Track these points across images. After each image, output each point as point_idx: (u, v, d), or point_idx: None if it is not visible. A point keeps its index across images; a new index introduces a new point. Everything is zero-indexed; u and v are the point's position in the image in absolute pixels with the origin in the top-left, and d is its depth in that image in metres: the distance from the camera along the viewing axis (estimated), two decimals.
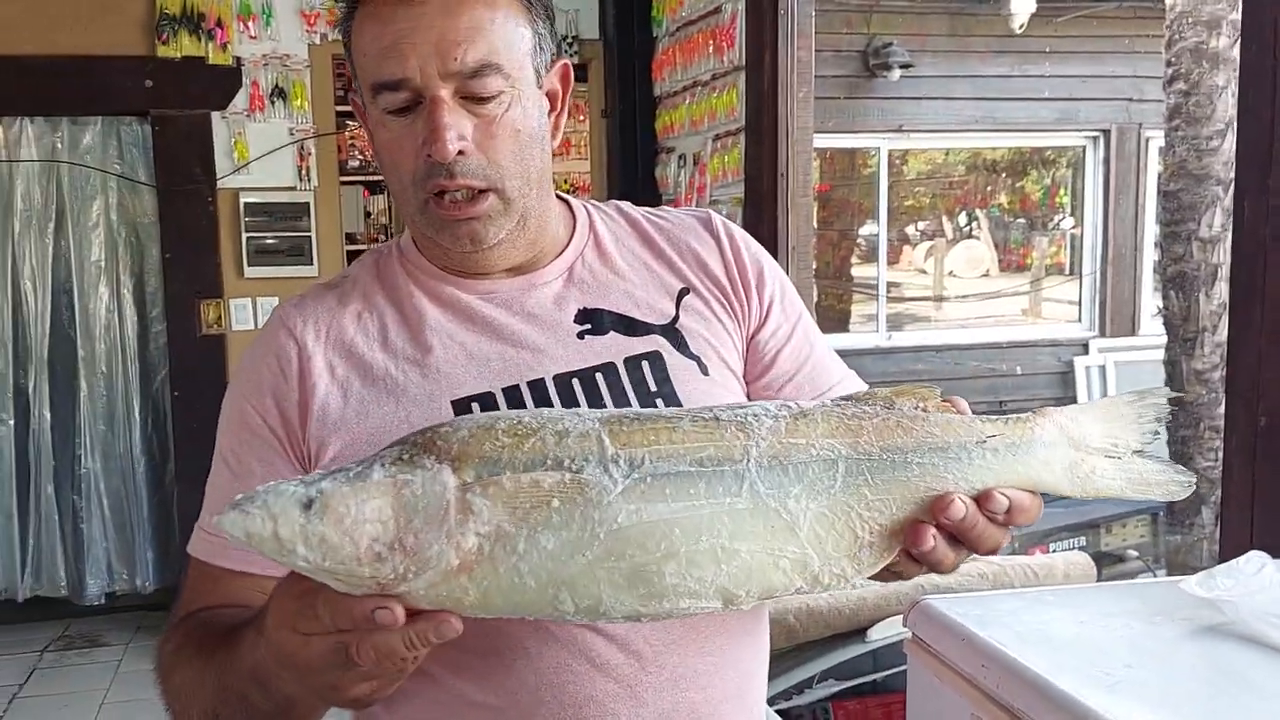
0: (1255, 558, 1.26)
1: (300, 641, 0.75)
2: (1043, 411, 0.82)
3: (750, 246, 1.11)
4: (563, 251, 1.06)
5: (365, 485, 0.71)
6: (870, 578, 0.89)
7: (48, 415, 4.66)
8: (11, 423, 4.65)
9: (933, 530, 0.76)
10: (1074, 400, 6.07)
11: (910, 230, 6.64)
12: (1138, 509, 4.19)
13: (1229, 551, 1.59)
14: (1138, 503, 4.30)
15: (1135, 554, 4.18)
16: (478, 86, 0.92)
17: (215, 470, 1.02)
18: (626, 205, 1.14)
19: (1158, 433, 0.83)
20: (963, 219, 6.71)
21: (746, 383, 1.07)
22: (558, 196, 1.09)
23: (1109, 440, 0.82)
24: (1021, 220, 6.69)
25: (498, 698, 0.94)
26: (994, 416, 0.80)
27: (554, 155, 1.04)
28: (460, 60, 0.91)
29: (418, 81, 0.91)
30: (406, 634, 0.71)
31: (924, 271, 6.66)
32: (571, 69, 1.06)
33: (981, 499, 0.77)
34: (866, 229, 6.28)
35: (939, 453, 0.77)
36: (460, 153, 0.92)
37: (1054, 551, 3.63)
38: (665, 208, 1.17)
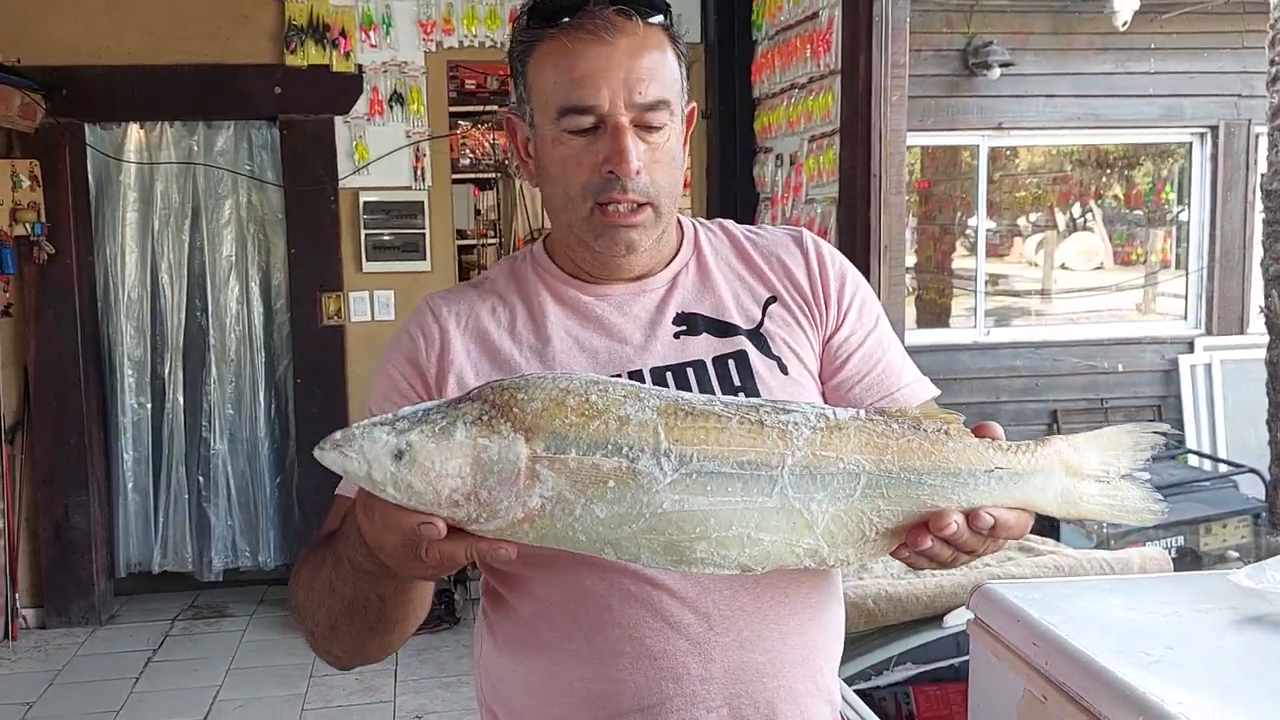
0: None
1: (374, 528, 0.90)
2: (1048, 442, 0.91)
3: (835, 261, 1.24)
4: (670, 262, 1.21)
5: (449, 444, 0.83)
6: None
7: (180, 399, 4.93)
8: (149, 406, 4.94)
9: (930, 535, 0.88)
10: (1177, 400, 5.93)
11: (1021, 222, 6.54)
12: (1238, 510, 4.14)
13: None
14: (1239, 505, 4.24)
15: (1236, 554, 4.12)
16: (652, 118, 1.09)
17: None
18: (729, 223, 1.29)
19: (1150, 460, 0.92)
20: (1076, 210, 6.58)
21: (822, 381, 1.20)
22: None
23: (1103, 466, 0.92)
24: (1138, 213, 6.53)
25: (588, 645, 1.09)
26: (1007, 445, 0.90)
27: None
28: (643, 95, 1.08)
29: (605, 109, 1.08)
30: (468, 549, 0.86)
31: (1035, 265, 6.56)
32: (695, 110, 1.21)
33: (970, 516, 0.89)
34: (975, 220, 6.22)
35: (950, 477, 0.88)
36: (636, 172, 1.08)
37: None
38: (764, 225, 1.31)
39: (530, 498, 0.83)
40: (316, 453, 0.85)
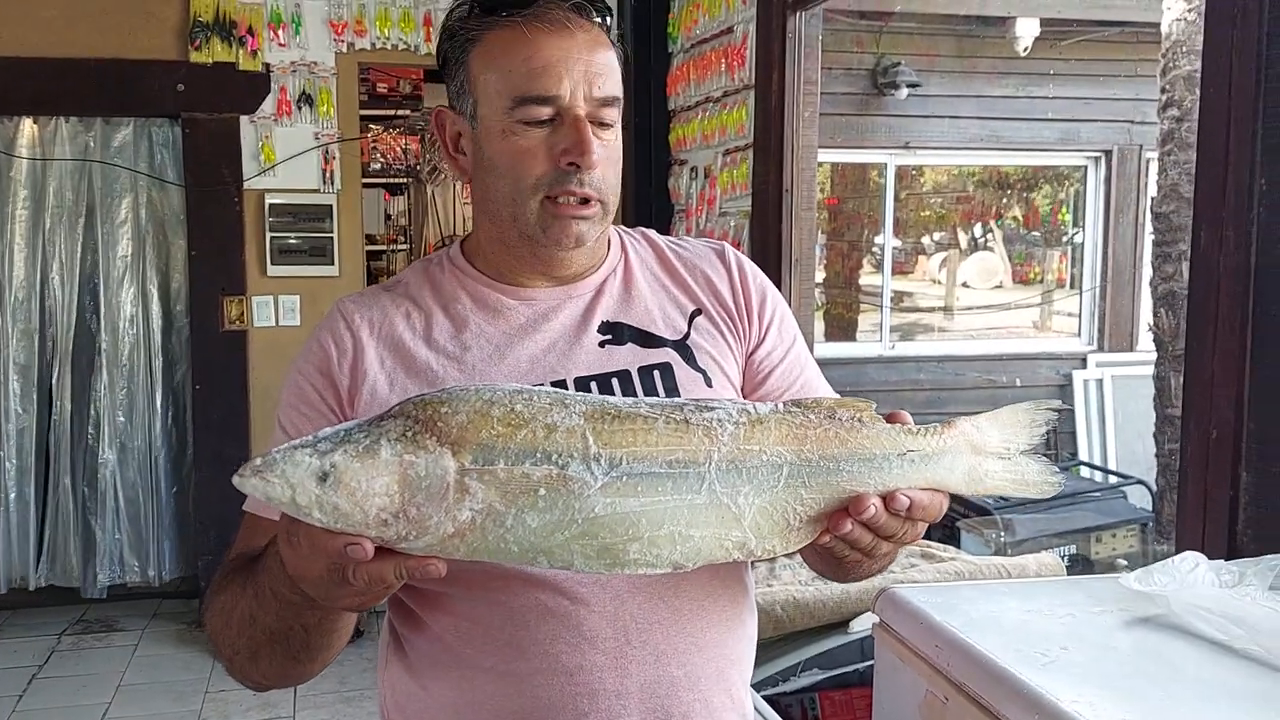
0: (1190, 557, 1.38)
1: (299, 557, 0.87)
2: (954, 423, 0.94)
3: (757, 277, 1.25)
4: (598, 269, 1.20)
5: (375, 462, 0.81)
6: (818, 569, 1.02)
7: (69, 407, 4.75)
8: (34, 413, 4.74)
9: (851, 520, 0.90)
10: (1071, 414, 6.13)
11: (926, 241, 6.73)
12: (1127, 519, 4.29)
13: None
14: (1128, 515, 4.40)
15: (1125, 562, 4.27)
16: (606, 114, 1.09)
17: (274, 437, 1.14)
18: (653, 233, 1.28)
19: (1045, 435, 0.97)
20: (978, 230, 6.79)
21: (744, 395, 1.20)
22: None
23: (1004, 444, 0.95)
24: (1036, 233, 6.77)
25: (502, 663, 1.07)
26: (916, 429, 0.93)
27: None
28: (601, 90, 1.07)
29: (567, 101, 1.06)
30: (398, 568, 0.84)
31: (939, 282, 6.75)
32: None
33: (887, 499, 0.90)
34: (882, 238, 6.39)
35: (866, 462, 0.90)
36: (596, 164, 1.08)
37: None
38: (686, 237, 1.32)
39: (460, 512, 0.82)
40: (236, 480, 0.82)
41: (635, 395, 1.11)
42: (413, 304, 1.17)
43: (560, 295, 1.17)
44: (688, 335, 1.18)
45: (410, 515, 0.82)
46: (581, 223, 1.10)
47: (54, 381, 4.75)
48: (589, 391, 1.11)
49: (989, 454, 0.95)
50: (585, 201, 1.09)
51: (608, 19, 1.12)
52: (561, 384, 1.11)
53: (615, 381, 1.13)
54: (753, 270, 1.25)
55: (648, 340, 1.16)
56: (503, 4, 1.09)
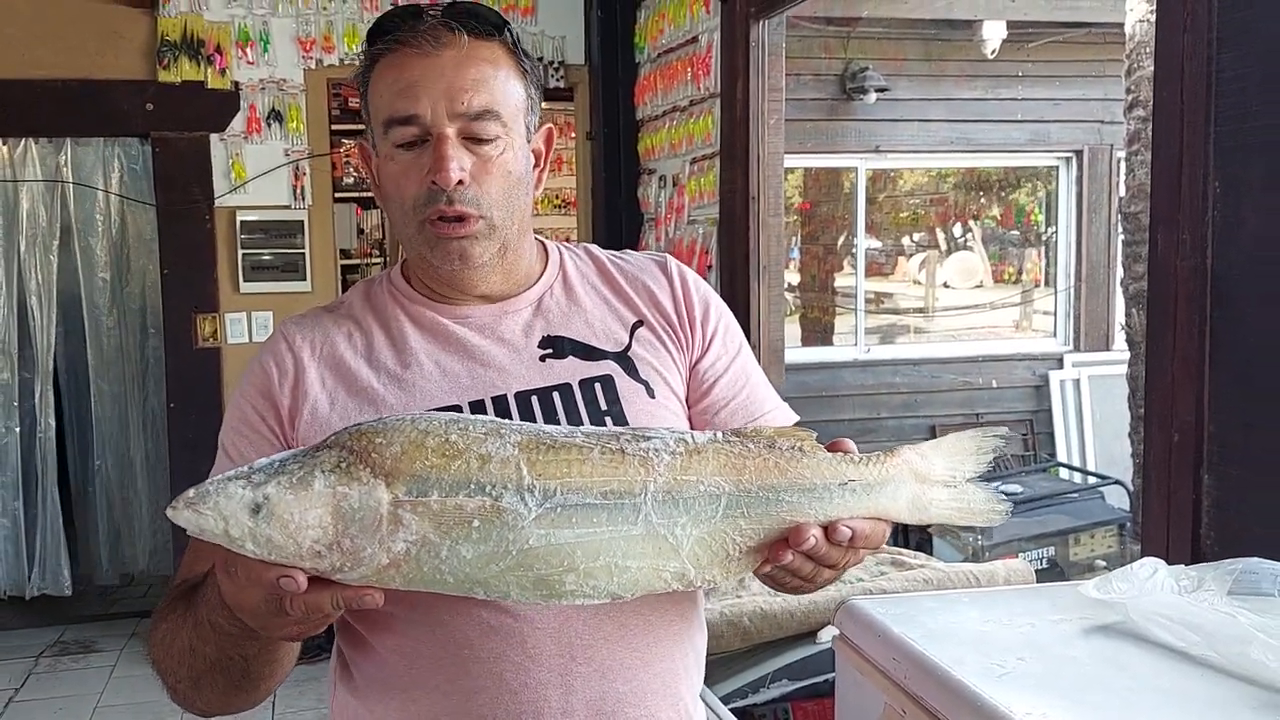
0: (1149, 563, 1.38)
1: (236, 588, 0.87)
2: (897, 451, 0.95)
3: (699, 287, 1.25)
4: (534, 284, 1.20)
5: (308, 495, 0.81)
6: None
7: (52, 423, 4.81)
8: (18, 430, 4.79)
9: (790, 550, 0.90)
10: (1048, 414, 6.15)
11: (905, 242, 6.73)
12: (1105, 520, 4.30)
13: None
14: (1105, 515, 4.41)
15: (1104, 564, 4.28)
16: (479, 129, 1.08)
17: (218, 461, 1.15)
18: (595, 248, 1.29)
19: (992, 462, 0.97)
20: (957, 230, 6.80)
21: (688, 406, 1.20)
22: (536, 239, 1.24)
23: (950, 472, 0.96)
24: (1014, 233, 6.78)
25: (447, 682, 1.07)
26: (858, 458, 0.93)
27: (548, 171, 1.22)
28: (467, 104, 1.07)
29: (428, 119, 1.06)
30: (334, 598, 0.84)
31: (918, 283, 6.75)
32: (554, 132, 1.21)
33: (828, 529, 0.91)
34: (857, 242, 6.38)
35: (806, 493, 0.90)
36: (460, 182, 1.07)
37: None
38: (628, 251, 1.31)
39: (394, 543, 0.82)
40: (170, 513, 0.82)
41: (577, 409, 1.12)
42: (354, 324, 1.18)
43: (496, 311, 1.18)
44: (629, 347, 1.18)
45: (344, 547, 0.82)
46: (463, 242, 1.10)
47: (37, 399, 4.80)
48: (530, 406, 1.11)
49: (934, 482, 0.95)
50: (461, 220, 1.09)
51: (502, 33, 1.11)
52: (502, 400, 1.12)
53: (556, 395, 1.13)
54: (695, 281, 1.25)
55: (588, 353, 1.17)
56: (381, 30, 1.10)
